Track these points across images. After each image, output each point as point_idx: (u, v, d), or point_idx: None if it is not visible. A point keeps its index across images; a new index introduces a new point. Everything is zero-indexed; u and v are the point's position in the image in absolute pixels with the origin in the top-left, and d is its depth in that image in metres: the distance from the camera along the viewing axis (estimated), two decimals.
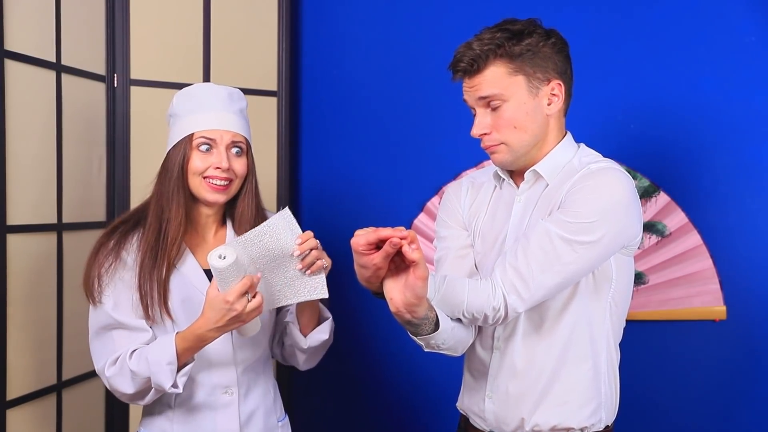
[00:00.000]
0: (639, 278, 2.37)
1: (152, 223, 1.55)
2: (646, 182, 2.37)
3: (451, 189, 1.70)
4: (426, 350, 1.43)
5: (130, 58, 2.25)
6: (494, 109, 1.47)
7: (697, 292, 2.34)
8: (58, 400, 2.03)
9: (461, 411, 1.68)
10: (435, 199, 2.54)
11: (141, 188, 1.71)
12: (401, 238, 1.21)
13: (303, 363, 1.69)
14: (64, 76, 2.04)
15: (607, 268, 1.48)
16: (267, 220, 1.44)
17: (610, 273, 1.49)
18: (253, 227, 1.46)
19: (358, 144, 2.63)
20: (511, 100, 1.46)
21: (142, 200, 1.64)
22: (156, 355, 1.46)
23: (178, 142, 1.56)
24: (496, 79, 1.45)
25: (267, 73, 2.51)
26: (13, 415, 1.84)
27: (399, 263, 1.27)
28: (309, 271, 1.47)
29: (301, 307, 1.61)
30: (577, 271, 1.41)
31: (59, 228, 2.03)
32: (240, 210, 1.63)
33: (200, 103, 1.57)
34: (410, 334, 1.40)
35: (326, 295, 1.49)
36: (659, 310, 2.37)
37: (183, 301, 1.55)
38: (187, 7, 2.35)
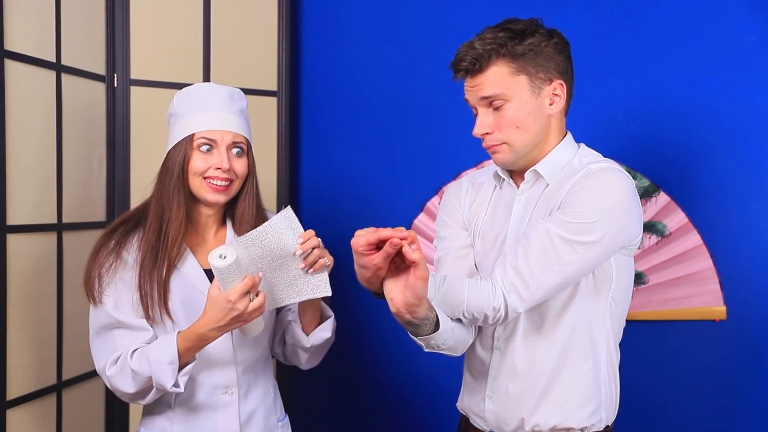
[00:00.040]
0: (639, 278, 2.37)
1: (153, 223, 1.55)
2: (646, 182, 2.37)
3: (451, 189, 1.70)
4: (426, 350, 1.43)
5: (130, 58, 2.25)
6: (496, 109, 1.47)
7: (697, 292, 2.34)
8: (58, 400, 2.03)
9: (461, 411, 1.68)
10: (435, 199, 2.54)
11: (141, 188, 1.71)
12: (401, 239, 1.21)
13: (305, 362, 1.69)
14: (64, 76, 2.04)
15: (607, 268, 1.48)
16: (269, 220, 1.44)
17: (610, 273, 1.49)
18: (254, 227, 1.46)
19: (358, 144, 2.63)
20: (514, 100, 1.45)
21: (142, 200, 1.64)
22: (157, 354, 1.45)
23: (178, 143, 1.56)
24: (498, 78, 1.45)
25: (267, 73, 2.51)
26: (13, 415, 1.84)
27: (399, 263, 1.27)
28: (311, 270, 1.47)
29: (304, 305, 1.61)
30: (578, 271, 1.41)
31: (59, 228, 2.03)
32: (240, 210, 1.63)
33: (201, 103, 1.57)
34: (410, 335, 1.40)
35: (329, 293, 1.49)
36: (659, 310, 2.37)
37: (183, 301, 1.55)
38: (187, 7, 2.35)
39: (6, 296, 1.81)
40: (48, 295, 1.99)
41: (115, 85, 2.24)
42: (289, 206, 1.45)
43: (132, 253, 1.55)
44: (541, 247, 1.39)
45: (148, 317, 1.52)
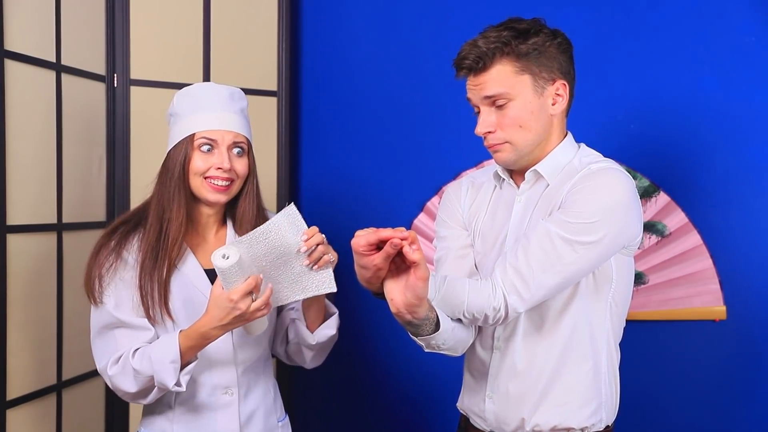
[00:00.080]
0: (639, 278, 2.37)
1: (153, 223, 1.55)
2: (646, 182, 2.37)
3: (451, 189, 1.70)
4: (426, 350, 1.43)
5: (130, 58, 2.25)
6: (499, 108, 1.47)
7: (697, 292, 2.34)
8: (58, 400, 2.03)
9: (461, 411, 1.68)
10: (435, 199, 2.54)
11: (141, 188, 1.71)
12: (402, 239, 1.21)
13: (310, 360, 1.69)
14: (64, 76, 2.04)
15: (607, 268, 1.48)
16: (272, 218, 1.43)
17: (610, 273, 1.49)
18: (255, 227, 1.45)
19: (358, 144, 2.63)
20: (517, 99, 1.45)
21: (142, 200, 1.63)
22: (159, 353, 1.45)
23: (179, 142, 1.56)
24: (502, 77, 1.45)
25: (267, 73, 2.51)
26: (13, 415, 1.84)
27: (399, 264, 1.27)
28: (316, 266, 1.46)
29: (308, 303, 1.61)
30: (578, 272, 1.41)
31: (59, 228, 2.03)
32: (241, 210, 1.63)
33: (201, 103, 1.57)
34: (411, 335, 1.40)
35: (335, 289, 1.48)
36: (659, 310, 2.37)
37: (184, 301, 1.55)
38: (187, 7, 2.35)
39: (6, 296, 1.81)
40: (48, 295, 1.99)
41: (115, 85, 2.24)
42: (292, 203, 1.44)
43: (132, 253, 1.55)
44: (542, 247, 1.39)
45: (148, 317, 1.52)
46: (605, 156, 1.55)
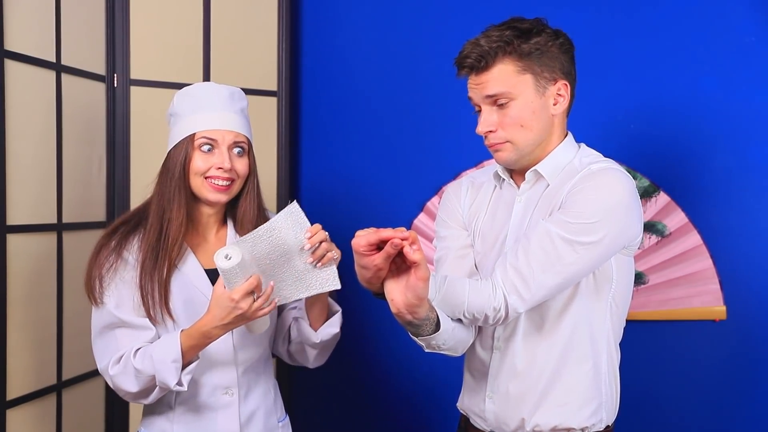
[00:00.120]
0: (639, 278, 2.37)
1: (153, 223, 1.55)
2: (646, 182, 2.37)
3: (450, 189, 1.70)
4: (426, 351, 1.43)
5: (130, 58, 2.25)
6: (500, 107, 1.46)
7: (697, 292, 2.34)
8: (58, 400, 2.03)
9: (462, 411, 1.68)
10: (435, 199, 2.54)
11: (141, 188, 1.71)
12: (402, 239, 1.21)
13: (314, 359, 1.68)
14: (64, 76, 2.04)
15: (607, 268, 1.48)
16: (275, 216, 1.43)
17: (610, 273, 1.49)
18: (255, 227, 1.45)
19: (358, 144, 2.63)
20: (519, 99, 1.45)
21: (142, 200, 1.63)
22: (160, 352, 1.45)
23: (179, 142, 1.56)
24: (504, 76, 1.45)
25: (267, 73, 2.51)
26: (13, 415, 1.84)
27: (400, 264, 1.27)
28: (320, 264, 1.45)
29: (311, 301, 1.61)
30: (578, 272, 1.41)
31: (59, 228, 2.03)
32: (242, 210, 1.63)
33: (201, 103, 1.57)
34: (411, 335, 1.40)
35: (339, 287, 1.47)
36: (659, 310, 2.37)
37: (184, 301, 1.55)
38: (187, 7, 2.35)
39: (6, 296, 1.81)
40: (48, 295, 1.99)
41: (115, 85, 2.23)
42: (294, 201, 1.44)
43: (133, 253, 1.55)
44: (542, 247, 1.39)
45: (149, 317, 1.52)
46: (605, 156, 1.55)
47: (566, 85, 1.49)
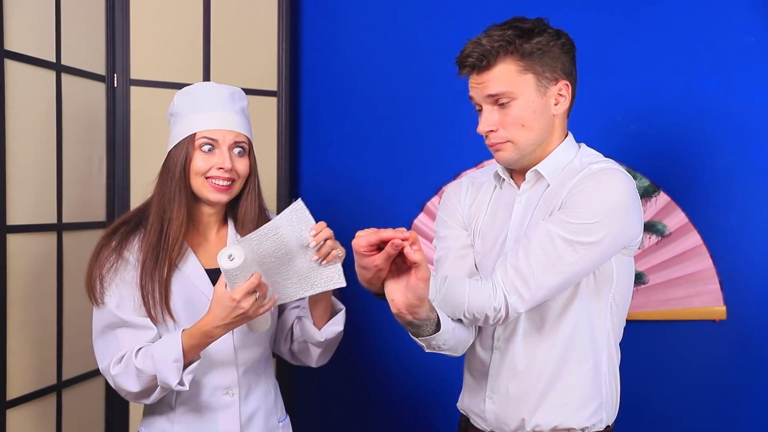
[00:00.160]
0: (639, 278, 2.37)
1: (154, 223, 1.55)
2: (646, 182, 2.37)
3: (450, 189, 1.70)
4: (427, 351, 1.43)
5: (130, 58, 2.25)
6: (502, 106, 1.46)
7: (697, 292, 2.34)
8: (58, 400, 2.03)
9: (462, 411, 1.68)
10: (435, 199, 2.54)
11: (141, 188, 1.71)
12: (403, 240, 1.20)
13: (317, 358, 1.67)
14: (64, 76, 2.04)
15: (607, 268, 1.48)
16: (280, 214, 1.42)
17: (610, 273, 1.49)
18: (256, 227, 1.45)
19: (358, 144, 2.63)
20: (520, 98, 1.45)
21: (142, 200, 1.63)
22: (162, 352, 1.45)
23: (179, 142, 1.56)
24: (505, 76, 1.45)
25: (267, 73, 2.51)
26: (13, 415, 1.84)
27: (400, 264, 1.27)
28: (325, 262, 1.45)
29: (315, 299, 1.60)
30: (579, 272, 1.41)
31: (59, 228, 2.03)
32: (243, 210, 1.63)
33: (202, 103, 1.57)
34: (411, 335, 1.40)
35: (344, 284, 1.46)
36: (659, 310, 2.37)
37: (185, 301, 1.55)
38: (187, 6, 2.35)
39: (6, 296, 1.81)
40: (48, 295, 1.98)
41: (115, 85, 2.23)
42: (299, 199, 1.43)
43: (134, 253, 1.55)
44: (542, 247, 1.39)
45: (150, 317, 1.52)
46: (605, 156, 1.55)
47: (567, 85, 1.49)
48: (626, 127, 2.39)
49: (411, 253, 1.20)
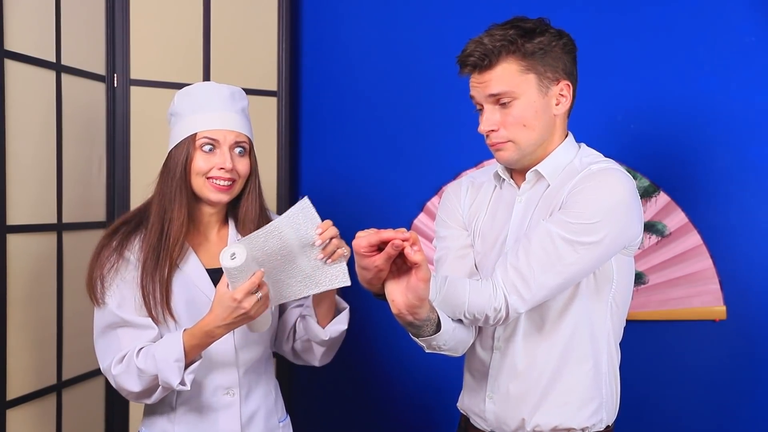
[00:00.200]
0: (639, 278, 2.37)
1: (154, 223, 1.55)
2: (646, 182, 2.37)
3: (450, 189, 1.70)
4: (427, 351, 1.43)
5: (130, 58, 2.25)
6: (503, 106, 1.46)
7: (697, 292, 2.34)
8: (58, 400, 2.03)
9: (462, 411, 1.68)
10: (435, 199, 2.54)
11: (141, 188, 1.71)
12: (403, 240, 1.20)
13: (321, 357, 1.67)
14: (64, 76, 2.04)
15: (607, 268, 1.48)
16: (287, 211, 1.41)
17: (610, 273, 1.49)
18: (258, 226, 1.45)
19: (358, 144, 2.63)
20: (522, 98, 1.45)
21: (142, 200, 1.63)
22: (163, 352, 1.45)
23: (180, 142, 1.56)
24: (507, 76, 1.45)
25: (267, 73, 2.51)
26: (13, 415, 1.84)
27: (401, 265, 1.27)
28: (330, 260, 1.44)
29: (319, 298, 1.59)
30: (579, 272, 1.41)
31: (59, 228, 2.03)
32: (243, 210, 1.63)
33: (202, 103, 1.57)
34: (412, 336, 1.40)
35: (349, 283, 1.45)
36: (659, 310, 2.37)
37: (186, 301, 1.55)
38: (187, 6, 2.35)
39: (6, 296, 1.81)
40: (48, 295, 1.98)
41: (115, 85, 2.23)
42: (306, 197, 1.42)
43: (134, 253, 1.55)
44: (543, 247, 1.39)
45: (151, 317, 1.52)
46: (605, 156, 1.55)
47: (569, 85, 1.49)
48: (626, 127, 2.39)
49: (411, 254, 1.20)
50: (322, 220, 1.42)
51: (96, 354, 1.55)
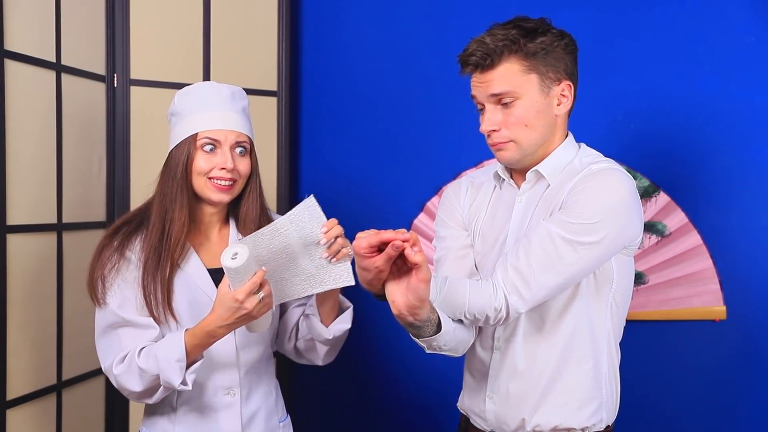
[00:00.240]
0: (639, 278, 2.37)
1: (155, 223, 1.54)
2: (646, 182, 2.37)
3: (450, 189, 1.70)
4: (428, 351, 1.43)
5: (130, 58, 2.25)
6: (505, 106, 1.46)
7: (697, 292, 2.34)
8: (58, 400, 2.03)
9: (462, 411, 1.68)
10: (435, 199, 2.54)
11: (141, 188, 1.71)
12: (403, 241, 1.20)
13: (324, 356, 1.67)
14: (64, 76, 2.04)
15: (607, 268, 1.48)
16: (292, 209, 1.40)
17: (610, 273, 1.49)
18: (259, 226, 1.45)
19: (358, 144, 2.63)
20: (524, 98, 1.45)
21: (142, 200, 1.63)
22: (165, 352, 1.45)
23: (181, 142, 1.56)
24: (509, 75, 1.45)
25: (267, 73, 2.51)
26: (13, 415, 1.84)
27: (401, 266, 1.27)
28: (334, 259, 1.44)
29: (323, 297, 1.59)
30: (579, 272, 1.41)
31: (59, 228, 2.03)
32: (244, 209, 1.63)
33: (203, 103, 1.57)
34: (412, 336, 1.40)
35: (353, 282, 1.45)
36: (659, 310, 2.37)
37: (187, 301, 1.55)
38: (186, 6, 2.35)
39: (6, 296, 1.81)
40: (48, 295, 1.98)
41: (115, 85, 2.23)
42: (312, 195, 1.42)
43: (135, 254, 1.54)
44: (543, 247, 1.39)
45: (152, 317, 1.52)
46: (605, 156, 1.55)
47: (570, 85, 1.49)
48: (626, 127, 2.39)
49: (412, 255, 1.20)
50: (332, 218, 1.42)
51: (97, 354, 1.55)
